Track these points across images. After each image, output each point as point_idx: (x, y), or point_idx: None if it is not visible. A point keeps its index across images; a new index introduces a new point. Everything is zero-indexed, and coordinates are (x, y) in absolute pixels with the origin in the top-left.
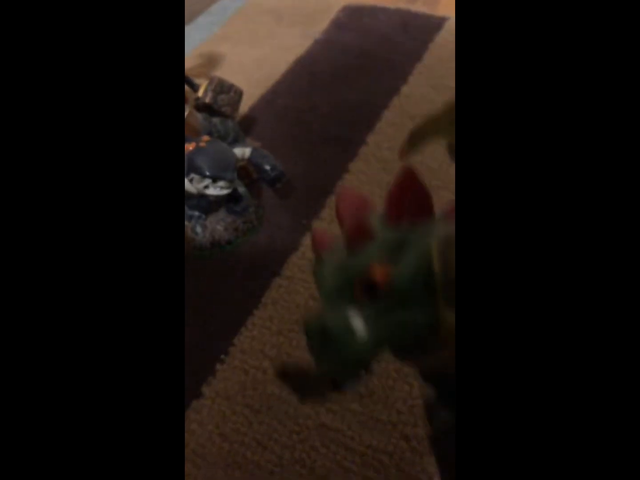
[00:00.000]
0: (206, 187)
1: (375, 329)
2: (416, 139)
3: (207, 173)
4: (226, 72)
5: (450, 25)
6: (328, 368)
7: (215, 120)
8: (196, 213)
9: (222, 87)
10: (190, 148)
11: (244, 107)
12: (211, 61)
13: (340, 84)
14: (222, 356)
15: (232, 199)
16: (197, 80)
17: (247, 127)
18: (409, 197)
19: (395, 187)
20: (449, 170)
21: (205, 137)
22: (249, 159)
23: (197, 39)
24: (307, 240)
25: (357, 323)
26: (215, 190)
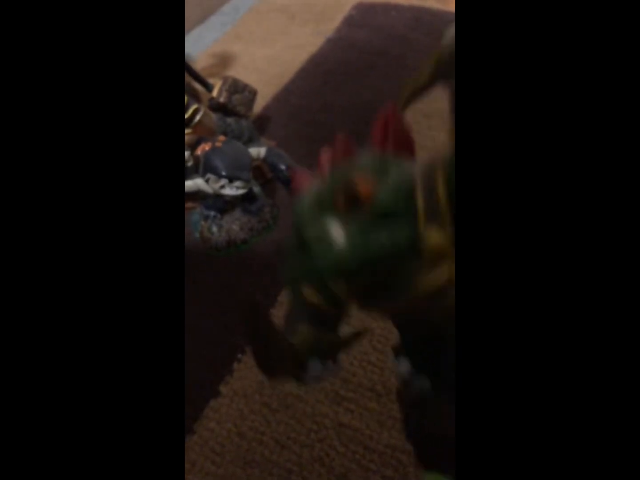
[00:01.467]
0: (222, 187)
1: (354, 241)
2: (411, 89)
3: (224, 173)
4: (239, 72)
5: None
6: (302, 282)
7: (230, 120)
8: (212, 213)
9: (236, 87)
10: (207, 148)
11: (258, 106)
12: (224, 61)
13: (353, 82)
14: (239, 355)
15: (247, 198)
16: (210, 80)
17: (260, 127)
18: (392, 133)
19: (379, 121)
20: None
21: (221, 137)
22: (264, 159)
23: (209, 38)
24: None
25: (337, 232)
26: (232, 190)
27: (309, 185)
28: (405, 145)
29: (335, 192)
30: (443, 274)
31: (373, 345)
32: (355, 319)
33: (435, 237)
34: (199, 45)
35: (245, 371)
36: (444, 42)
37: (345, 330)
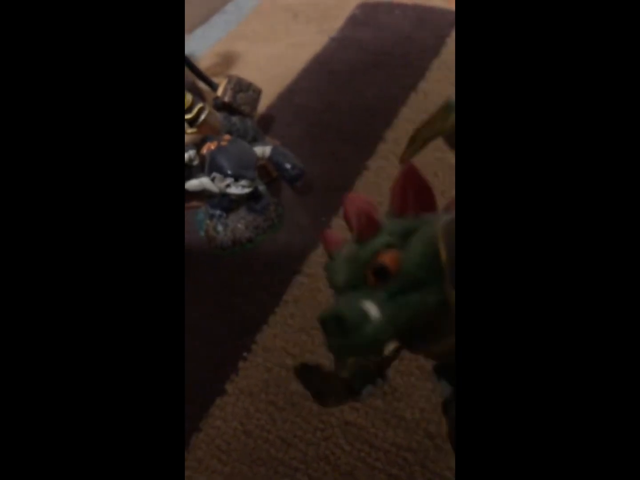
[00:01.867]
0: (228, 186)
1: (387, 311)
2: (415, 141)
3: (229, 172)
4: (243, 71)
5: None
6: (345, 356)
7: (235, 119)
8: (217, 212)
9: (241, 86)
10: (212, 147)
11: (261, 105)
12: (228, 60)
13: (357, 81)
14: (245, 354)
15: (252, 197)
16: (214, 80)
17: (265, 126)
18: (412, 190)
19: (398, 181)
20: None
21: (227, 136)
22: (269, 158)
23: (213, 37)
24: None
25: (370, 306)
26: (237, 189)
27: (339, 246)
28: (426, 202)
29: (364, 268)
30: None
31: None
32: None
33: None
34: (203, 44)
35: (251, 370)
36: (452, 109)
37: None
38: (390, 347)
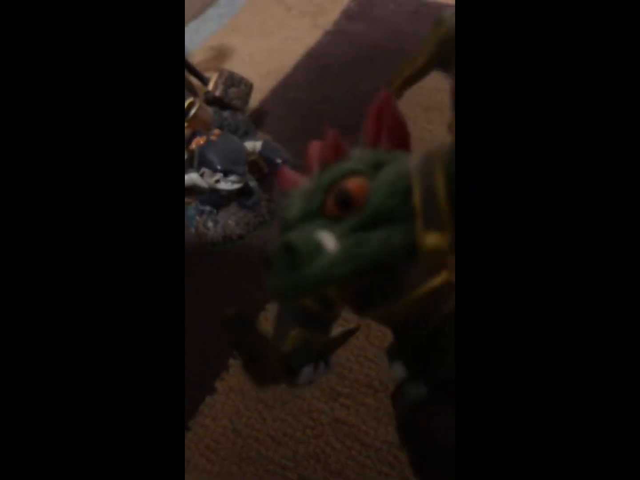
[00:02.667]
0: (217, 181)
1: (346, 245)
2: (406, 74)
3: (219, 167)
4: (236, 65)
5: None
6: (292, 295)
7: (226, 113)
8: (207, 208)
9: (232, 80)
10: (201, 142)
11: (255, 100)
12: (221, 54)
13: (351, 75)
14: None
15: (243, 193)
16: (207, 74)
17: (258, 120)
18: (386, 123)
19: (372, 110)
20: None
21: (216, 131)
22: (260, 153)
23: (206, 31)
24: None
25: (326, 237)
26: (227, 184)
27: (296, 184)
28: (400, 137)
29: (324, 194)
30: (440, 278)
31: (370, 341)
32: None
33: (433, 239)
34: (196, 38)
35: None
36: (443, 23)
37: (336, 329)
38: (340, 307)
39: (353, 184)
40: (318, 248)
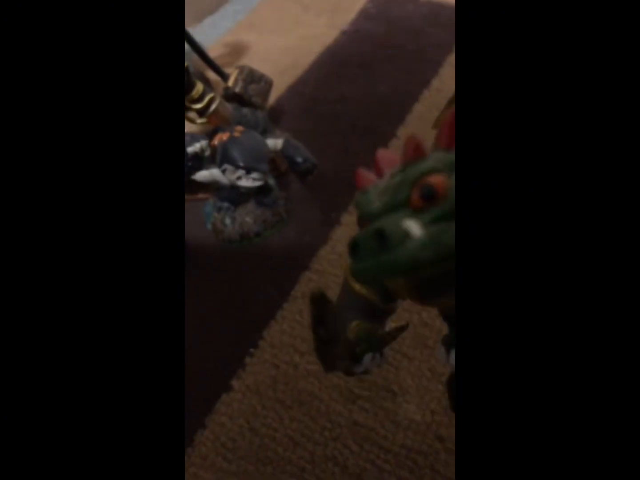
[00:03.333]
0: (239, 178)
1: (432, 235)
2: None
3: (241, 164)
4: (252, 61)
5: None
6: (380, 276)
7: (246, 110)
8: (225, 204)
9: (253, 77)
10: (224, 138)
11: (271, 97)
12: (237, 50)
13: (369, 75)
14: (252, 349)
15: (261, 191)
16: (224, 70)
17: (274, 118)
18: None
19: (449, 118)
20: None
21: (239, 127)
22: (280, 151)
23: (223, 27)
24: (336, 234)
25: (413, 225)
26: (248, 181)
27: (372, 183)
28: None
29: (410, 188)
30: None
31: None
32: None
33: None
34: (213, 34)
35: (259, 366)
36: None
37: (390, 324)
38: (398, 301)
39: (437, 180)
40: (406, 234)
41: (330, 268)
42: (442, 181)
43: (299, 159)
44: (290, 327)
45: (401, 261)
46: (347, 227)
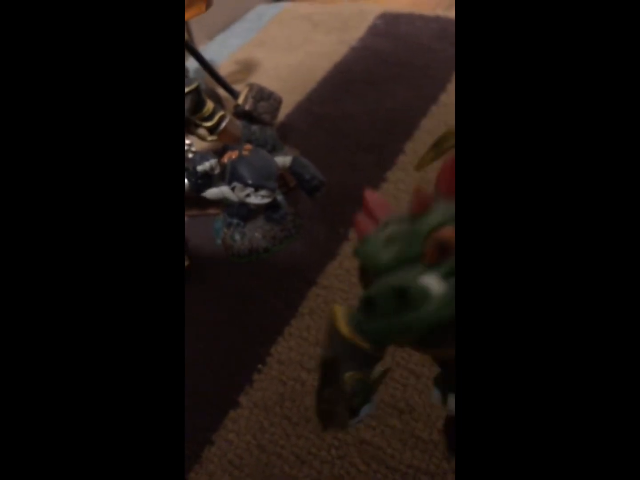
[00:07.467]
0: (248, 195)
1: (447, 289)
2: (436, 148)
3: (250, 182)
4: (262, 78)
5: None
6: (397, 338)
7: (255, 127)
8: (235, 220)
9: (262, 95)
10: (233, 156)
11: (280, 113)
12: (247, 67)
13: (377, 92)
14: (260, 366)
15: (270, 207)
16: (234, 87)
17: (283, 135)
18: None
19: (449, 162)
20: None
21: (248, 146)
22: (289, 168)
23: (233, 45)
24: (344, 250)
25: (432, 282)
26: (257, 199)
27: (372, 231)
28: None
29: (422, 243)
30: None
31: (396, 361)
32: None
33: None
34: (223, 51)
35: (266, 382)
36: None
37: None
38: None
39: (449, 233)
40: (426, 292)
41: (337, 283)
42: (452, 235)
43: (307, 177)
44: (297, 344)
45: (425, 320)
46: (354, 243)
